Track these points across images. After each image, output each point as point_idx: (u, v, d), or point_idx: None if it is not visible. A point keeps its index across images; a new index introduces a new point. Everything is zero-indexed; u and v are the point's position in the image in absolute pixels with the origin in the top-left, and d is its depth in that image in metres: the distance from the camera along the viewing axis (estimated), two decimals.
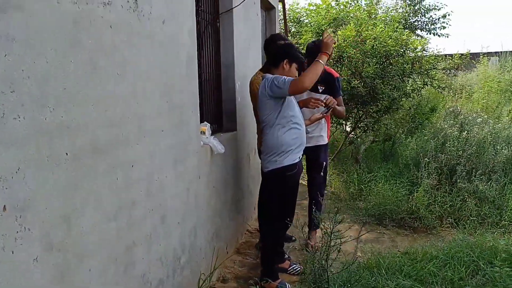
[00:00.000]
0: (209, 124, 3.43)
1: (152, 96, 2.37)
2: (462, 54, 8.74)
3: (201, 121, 3.22)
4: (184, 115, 2.81)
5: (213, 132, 3.72)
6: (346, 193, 5.99)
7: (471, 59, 10.69)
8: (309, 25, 8.92)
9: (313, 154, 4.24)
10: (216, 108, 4.05)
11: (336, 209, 3.22)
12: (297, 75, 3.40)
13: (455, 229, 4.63)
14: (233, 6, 4.05)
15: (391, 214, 4.97)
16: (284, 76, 3.17)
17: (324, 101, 3.75)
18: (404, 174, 5.73)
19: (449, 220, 4.77)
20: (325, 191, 4.42)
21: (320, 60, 3.13)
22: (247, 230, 4.53)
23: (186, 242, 2.84)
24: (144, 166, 2.28)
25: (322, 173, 4.28)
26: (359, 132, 7.35)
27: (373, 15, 8.70)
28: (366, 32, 6.84)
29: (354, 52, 6.40)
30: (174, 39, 2.61)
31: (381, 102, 6.68)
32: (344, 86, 6.40)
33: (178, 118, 2.70)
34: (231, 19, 4.08)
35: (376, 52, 6.63)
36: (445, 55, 9.13)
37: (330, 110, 3.76)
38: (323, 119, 4.16)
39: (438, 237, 4.42)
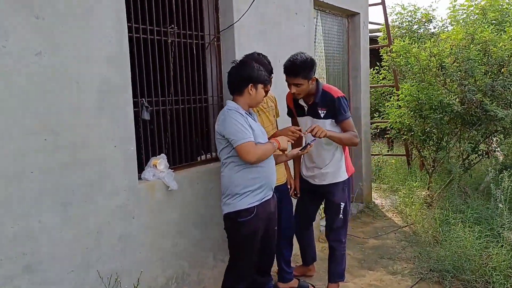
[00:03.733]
0: (164, 157, 3.10)
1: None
2: None
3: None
4: (92, 152, 2.56)
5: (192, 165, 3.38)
6: (425, 233, 4.86)
7: None
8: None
9: (328, 193, 3.51)
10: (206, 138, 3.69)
11: None
12: (262, 96, 2.88)
13: None
14: (234, 22, 3.62)
15: (457, 271, 3.81)
16: (235, 132, 2.71)
17: (306, 132, 3.07)
18: (495, 219, 4.35)
19: None
20: (346, 237, 3.60)
21: (274, 143, 2.85)
22: None
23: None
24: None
25: (341, 215, 3.50)
26: (474, 157, 5.91)
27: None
28: (480, 34, 5.47)
29: (460, 58, 5.15)
30: (58, 71, 2.39)
31: (495, 122, 5.23)
32: (437, 103, 5.24)
33: (72, 156, 2.46)
34: (232, 37, 3.66)
35: (488, 60, 5.26)
36: None
37: (313, 142, 3.04)
38: (339, 150, 3.41)
39: None
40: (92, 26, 2.54)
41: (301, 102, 3.41)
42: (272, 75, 3.23)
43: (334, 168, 3.46)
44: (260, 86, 2.85)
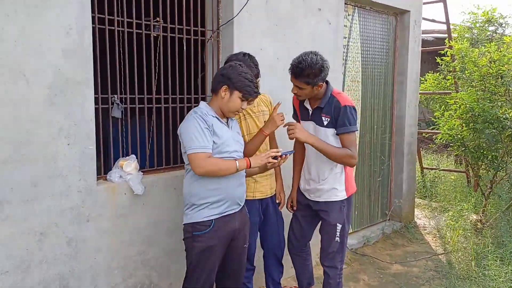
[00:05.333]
0: (134, 158, 2.90)
1: None
2: None
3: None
4: (38, 149, 2.42)
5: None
6: (459, 264, 4.21)
7: None
8: None
9: (323, 212, 3.11)
10: None
11: None
12: (239, 108, 2.56)
13: None
14: (233, 16, 3.33)
15: None
16: (189, 139, 2.42)
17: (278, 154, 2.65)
18: None
19: None
20: (343, 264, 3.16)
21: (239, 163, 2.48)
22: None
23: None
24: None
25: (337, 238, 3.08)
26: None
27: None
28: None
29: None
30: (2, 61, 2.27)
31: None
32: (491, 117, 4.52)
33: (15, 152, 2.34)
34: (230, 33, 3.38)
35: None
36: None
37: (289, 154, 2.66)
38: (339, 165, 2.99)
39: None
40: (45, 15, 2.40)
41: (306, 104, 3.05)
42: (259, 78, 2.90)
43: (331, 184, 3.04)
44: (236, 93, 2.52)
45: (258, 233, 3.17)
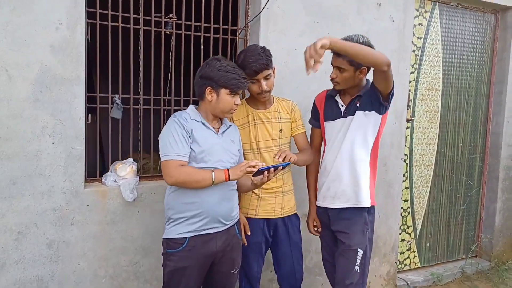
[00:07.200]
0: (131, 162, 2.72)
1: None
2: None
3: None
4: (20, 147, 2.37)
5: None
6: None
7: None
8: None
9: (340, 224, 2.62)
10: None
11: None
12: (233, 106, 2.26)
13: None
14: (259, 11, 2.99)
15: None
16: (164, 145, 2.18)
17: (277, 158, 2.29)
18: None
19: None
20: None
21: (214, 174, 2.16)
22: None
23: None
24: None
25: (357, 266, 2.55)
26: None
27: None
28: None
29: None
30: None
31: None
32: None
33: None
34: (257, 31, 3.04)
35: None
36: None
37: (286, 166, 2.26)
38: (364, 162, 2.52)
39: None
40: (32, 8, 2.34)
41: (338, 99, 2.63)
42: (268, 71, 2.46)
43: (352, 186, 2.55)
44: (223, 91, 2.21)
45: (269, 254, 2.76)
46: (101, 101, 2.73)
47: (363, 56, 2.20)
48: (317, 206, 2.74)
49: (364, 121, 2.51)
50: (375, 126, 2.53)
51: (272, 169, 2.21)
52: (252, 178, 2.25)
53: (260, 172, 2.19)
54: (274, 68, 2.50)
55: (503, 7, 4.31)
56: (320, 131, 2.74)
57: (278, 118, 2.65)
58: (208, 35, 2.99)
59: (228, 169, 2.18)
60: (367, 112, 2.50)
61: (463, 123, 4.33)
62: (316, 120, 2.76)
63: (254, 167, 2.13)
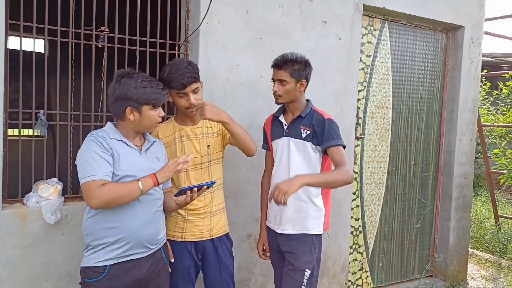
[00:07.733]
0: (55, 181, 2.58)
1: None
2: None
3: None
4: None
5: None
6: None
7: None
8: None
9: (288, 246, 2.53)
10: None
11: None
12: (157, 119, 2.15)
13: None
14: (197, 27, 2.91)
15: None
16: (83, 167, 2.01)
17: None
18: None
19: None
20: None
21: (140, 182, 2.02)
22: None
23: None
24: None
25: (303, 286, 2.45)
26: None
27: None
28: None
29: None
30: None
31: None
32: None
33: None
34: (196, 46, 2.96)
35: None
36: None
37: (211, 184, 2.15)
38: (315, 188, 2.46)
39: None
40: None
41: (282, 119, 2.61)
42: (196, 85, 2.36)
43: (300, 211, 2.49)
44: (145, 107, 2.10)
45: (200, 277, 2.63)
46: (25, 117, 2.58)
47: (332, 183, 2.37)
48: (266, 225, 2.67)
49: (311, 148, 2.49)
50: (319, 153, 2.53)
51: (196, 188, 2.10)
52: (174, 198, 2.13)
53: (183, 192, 2.08)
54: (202, 82, 2.41)
55: (454, 26, 4.35)
56: (269, 156, 2.73)
57: (205, 133, 2.52)
58: (145, 49, 2.89)
59: (154, 173, 2.05)
60: (314, 146, 2.48)
61: (415, 141, 4.32)
62: (266, 143, 2.75)
63: (184, 162, 2.05)
